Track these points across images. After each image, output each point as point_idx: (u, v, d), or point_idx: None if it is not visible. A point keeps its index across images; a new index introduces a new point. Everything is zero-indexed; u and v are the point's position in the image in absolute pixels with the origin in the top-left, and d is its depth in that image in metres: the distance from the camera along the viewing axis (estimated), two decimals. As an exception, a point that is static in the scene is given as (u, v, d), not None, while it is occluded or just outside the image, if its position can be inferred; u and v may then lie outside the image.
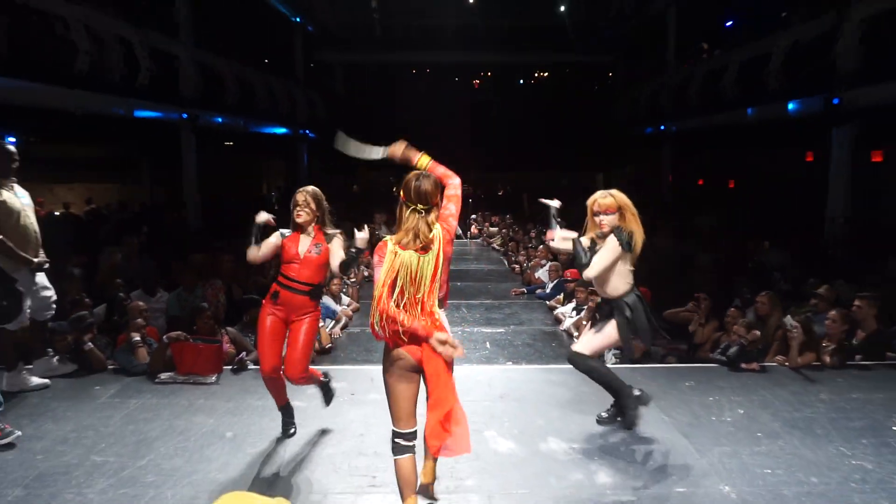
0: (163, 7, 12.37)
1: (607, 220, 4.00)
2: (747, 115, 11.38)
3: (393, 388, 2.78)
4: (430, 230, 2.74)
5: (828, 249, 8.93)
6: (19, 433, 3.87)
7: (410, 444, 2.77)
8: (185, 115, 11.84)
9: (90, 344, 5.10)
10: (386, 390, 2.82)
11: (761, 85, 10.57)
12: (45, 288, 4.76)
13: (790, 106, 9.96)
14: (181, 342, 4.91)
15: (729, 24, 15.64)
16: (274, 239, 3.75)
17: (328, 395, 4.15)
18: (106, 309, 6.13)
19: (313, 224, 3.72)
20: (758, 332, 5.25)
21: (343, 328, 6.99)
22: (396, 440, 2.78)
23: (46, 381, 4.76)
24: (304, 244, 3.69)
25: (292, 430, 3.96)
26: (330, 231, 3.73)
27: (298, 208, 3.69)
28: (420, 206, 2.74)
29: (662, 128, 16.06)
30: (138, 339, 5.08)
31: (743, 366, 5.19)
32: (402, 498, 2.75)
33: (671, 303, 6.72)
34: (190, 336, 5.03)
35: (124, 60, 9.84)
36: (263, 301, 3.78)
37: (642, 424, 4.05)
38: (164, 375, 4.86)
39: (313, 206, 3.70)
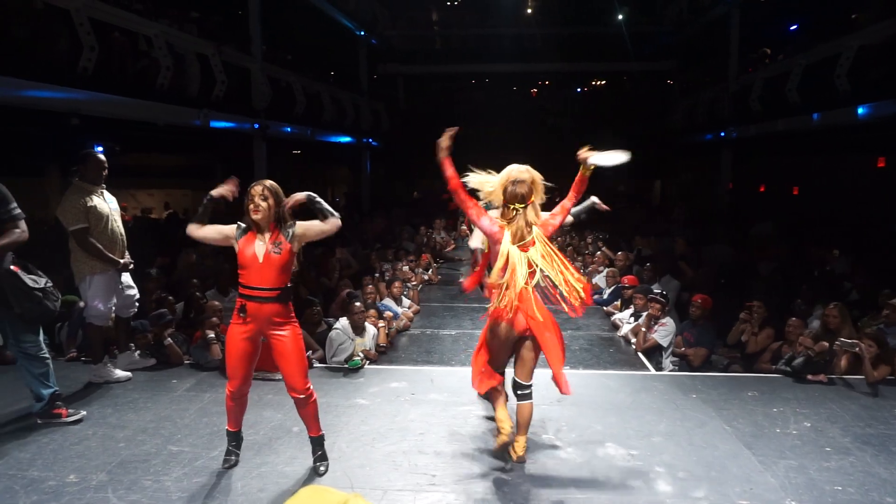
0: (236, 24, 13.00)
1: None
2: (812, 120, 10.94)
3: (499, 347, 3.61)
4: (531, 231, 3.50)
5: None
6: (84, 413, 4.23)
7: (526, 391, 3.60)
8: (256, 125, 12.38)
9: (170, 339, 5.42)
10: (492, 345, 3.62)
11: (828, 89, 10.14)
12: (129, 287, 5.10)
13: (860, 110, 9.52)
14: (251, 340, 5.15)
15: (793, 27, 15.10)
16: (228, 230, 3.41)
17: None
18: (184, 307, 6.50)
19: (270, 222, 3.33)
20: (826, 344, 5.05)
21: (403, 330, 7.13)
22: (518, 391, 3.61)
23: (128, 373, 5.09)
24: (261, 245, 3.31)
25: (234, 460, 3.62)
26: (287, 225, 3.36)
27: (254, 204, 3.29)
28: (517, 206, 3.52)
29: (722, 134, 15.63)
30: (212, 336, 5.36)
31: (809, 377, 5.01)
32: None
33: (729, 311, 6.55)
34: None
35: (201, 75, 10.39)
36: (232, 320, 3.40)
37: (702, 435, 3.98)
38: (235, 372, 5.10)
39: (272, 201, 3.31)
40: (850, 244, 9.27)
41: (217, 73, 10.79)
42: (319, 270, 8.39)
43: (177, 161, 17.58)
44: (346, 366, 5.34)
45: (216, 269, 7.63)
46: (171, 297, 6.41)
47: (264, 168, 13.00)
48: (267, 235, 3.32)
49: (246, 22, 12.69)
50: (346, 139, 17.87)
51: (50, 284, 4.09)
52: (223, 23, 12.50)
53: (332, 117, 16.12)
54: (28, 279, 3.95)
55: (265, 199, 3.29)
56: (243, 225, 3.37)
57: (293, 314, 3.43)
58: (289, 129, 13.97)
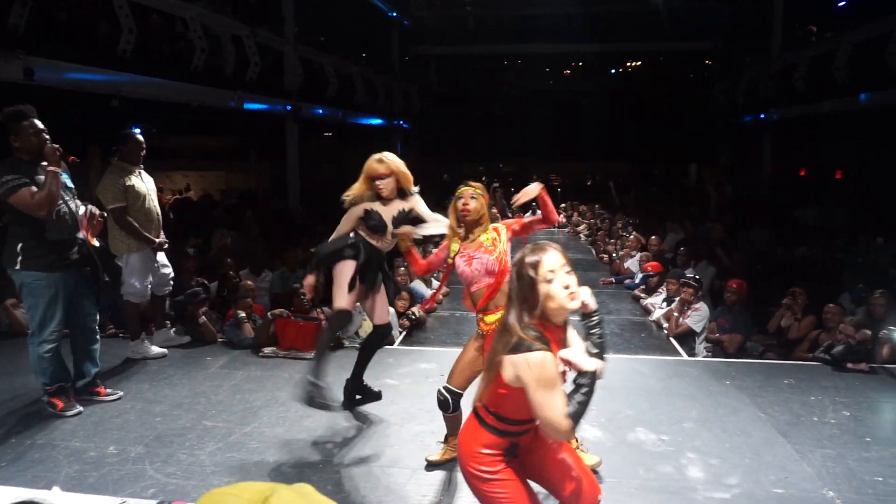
0: (270, 5, 13.05)
1: (384, 184, 3.74)
2: (860, 101, 10.49)
3: None
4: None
5: None
6: (121, 393, 4.33)
7: None
8: (289, 108, 12.45)
9: (204, 317, 5.53)
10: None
11: (879, 68, 9.69)
12: (165, 266, 5.21)
13: (912, 90, 9.11)
14: (284, 319, 5.24)
15: (841, 4, 14.47)
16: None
17: None
18: (217, 286, 6.62)
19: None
20: (868, 332, 4.90)
21: (430, 311, 7.14)
22: None
23: (164, 350, 5.22)
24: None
25: None
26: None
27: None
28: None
29: (763, 116, 15.11)
30: (244, 315, 5.45)
31: (849, 366, 4.86)
32: None
33: (768, 298, 6.39)
34: (292, 314, 5.35)
35: (235, 56, 10.48)
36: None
37: (735, 422, 3.91)
38: (267, 350, 5.20)
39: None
40: (894, 231, 8.94)
41: (251, 54, 10.86)
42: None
43: (210, 143, 17.85)
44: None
45: (250, 250, 7.75)
46: (204, 281, 6.52)
47: (296, 150, 13.10)
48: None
49: (279, 4, 12.72)
50: (378, 121, 17.86)
51: None
52: (257, 4, 12.56)
53: (364, 99, 16.12)
54: None
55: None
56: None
57: None
58: (321, 111, 14.02)
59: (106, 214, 4.74)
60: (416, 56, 22.10)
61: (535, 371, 1.88)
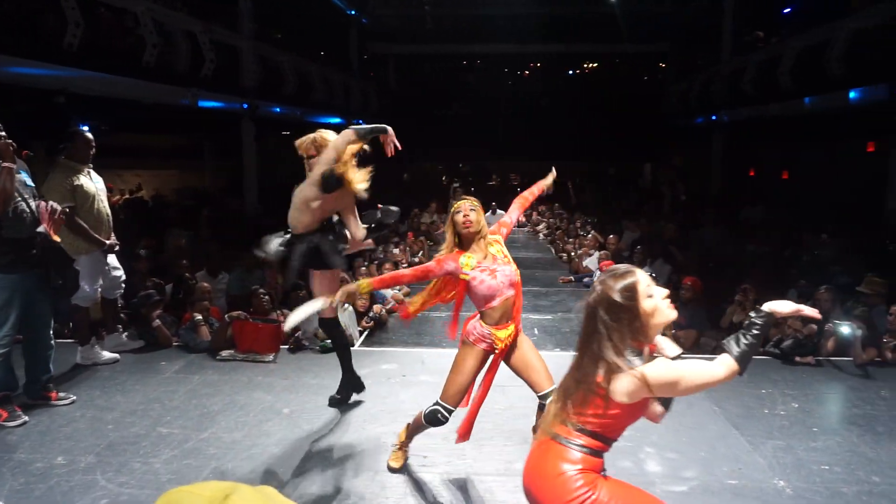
0: (225, 2, 12.77)
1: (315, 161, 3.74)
2: (804, 104, 10.93)
3: None
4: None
5: (887, 242, 8.54)
6: (74, 397, 4.20)
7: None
8: (245, 106, 12.21)
9: (158, 321, 5.38)
10: None
11: (821, 74, 10.11)
12: (116, 268, 5.05)
13: (852, 94, 9.49)
14: (242, 321, 5.13)
15: (787, 10, 15.04)
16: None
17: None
18: (173, 288, 6.44)
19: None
20: (814, 327, 5.10)
21: (392, 311, 7.10)
22: None
23: (116, 355, 5.05)
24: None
25: None
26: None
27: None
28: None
29: (714, 118, 15.61)
30: (200, 318, 5.32)
31: (797, 359, 5.05)
32: None
33: (720, 294, 6.58)
34: (250, 316, 5.25)
35: (189, 53, 10.21)
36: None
37: (691, 416, 4.01)
38: (224, 353, 5.09)
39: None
40: (839, 228, 9.33)
41: (205, 51, 10.61)
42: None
43: (164, 141, 17.35)
44: (318, 348, 5.31)
45: (206, 251, 7.56)
46: (160, 281, 6.34)
47: (253, 149, 12.87)
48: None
49: (235, 0, 12.47)
50: (336, 120, 17.70)
51: None
52: (211, 0, 12.28)
53: (322, 98, 15.95)
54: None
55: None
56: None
57: None
58: (278, 110, 13.81)
59: (68, 210, 4.57)
60: (375, 54, 21.98)
61: (657, 375, 1.85)
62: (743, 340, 1.87)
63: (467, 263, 3.00)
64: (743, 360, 1.85)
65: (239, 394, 4.38)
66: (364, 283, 3.05)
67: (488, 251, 3.07)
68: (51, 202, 3.98)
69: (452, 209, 3.08)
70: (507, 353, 3.15)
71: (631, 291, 1.89)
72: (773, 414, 4.12)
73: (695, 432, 3.84)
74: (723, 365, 1.86)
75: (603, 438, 1.99)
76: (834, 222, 9.73)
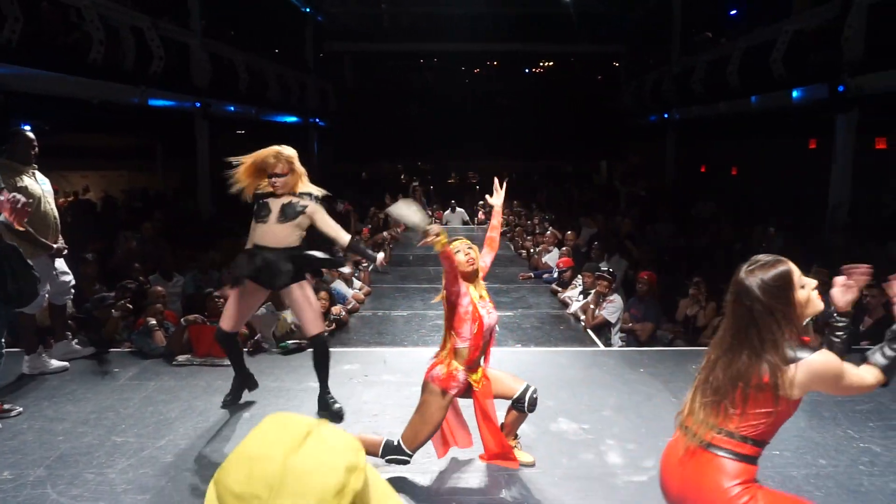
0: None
1: (280, 182, 3.79)
2: (751, 103, 11.33)
3: None
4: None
5: (829, 236, 8.93)
6: (20, 409, 4.03)
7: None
8: (198, 104, 11.91)
9: (153, 321, 5.20)
10: None
11: (765, 73, 10.51)
12: (64, 273, 4.86)
13: (794, 94, 9.89)
14: (200, 325, 5.01)
15: (733, 12, 15.54)
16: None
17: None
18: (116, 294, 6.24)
19: None
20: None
21: (353, 311, 7.06)
22: None
23: (66, 363, 4.86)
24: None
25: None
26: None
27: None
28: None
29: (666, 116, 16.05)
30: (155, 322, 5.18)
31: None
32: None
33: (672, 288, 6.77)
34: (207, 319, 5.13)
35: (137, 50, 9.90)
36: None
37: (650, 407, 4.11)
38: (181, 358, 4.96)
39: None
40: (785, 223, 9.68)
41: (154, 48, 10.30)
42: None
43: (113, 141, 16.79)
44: (277, 350, 5.25)
45: (159, 254, 7.36)
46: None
47: (206, 149, 12.57)
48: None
49: (185, -7, 12.15)
50: (293, 119, 17.46)
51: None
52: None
53: (278, 96, 15.70)
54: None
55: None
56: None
57: None
58: (232, 109, 13.52)
59: (31, 202, 4.37)
60: (331, 53, 21.75)
61: (833, 364, 1.84)
62: (888, 353, 1.90)
63: (475, 295, 3.01)
64: (889, 371, 1.89)
65: (198, 399, 4.28)
66: (444, 238, 2.82)
67: (481, 292, 3.07)
68: (13, 193, 3.80)
69: (452, 248, 2.97)
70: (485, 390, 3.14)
71: (787, 281, 1.85)
72: (727, 402, 4.25)
73: (654, 423, 3.93)
74: (871, 374, 1.89)
75: (761, 443, 1.92)
76: (780, 216, 10.10)
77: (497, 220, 3.48)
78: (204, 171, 12.79)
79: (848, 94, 8.66)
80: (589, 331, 6.47)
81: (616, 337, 6.35)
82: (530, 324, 6.80)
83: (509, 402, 3.25)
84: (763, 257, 1.93)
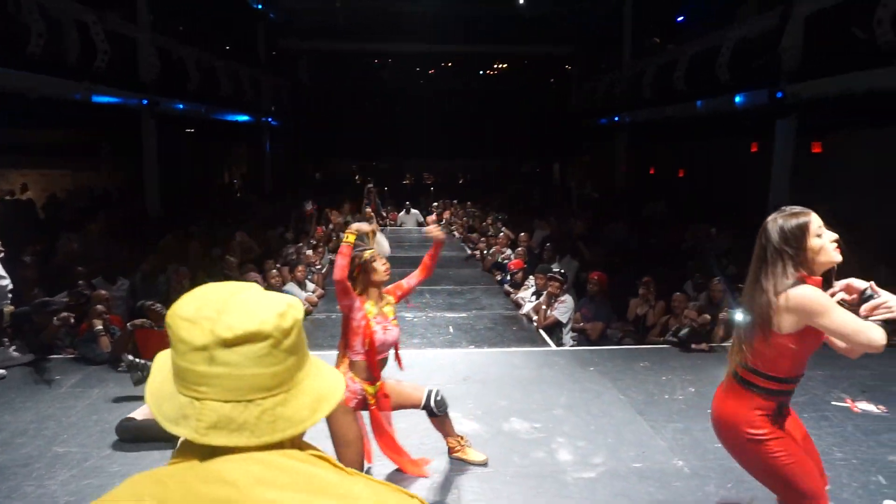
0: (119, -11, 12.03)
1: None
2: (697, 107, 11.73)
3: None
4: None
5: None
6: None
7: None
8: (145, 101, 11.55)
9: (100, 325, 5.01)
10: None
11: (710, 78, 10.89)
12: (1, 277, 4.67)
13: (737, 99, 10.27)
14: (147, 329, 4.88)
15: (681, 18, 16.02)
16: None
17: None
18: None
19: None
20: (708, 316, 5.48)
21: (306, 314, 7.00)
22: None
23: (2, 371, 4.68)
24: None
25: None
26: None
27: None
28: None
29: (616, 119, 16.44)
30: (100, 327, 5.02)
31: (693, 346, 5.42)
32: None
33: (623, 288, 6.94)
34: (154, 324, 5.00)
35: (81, 44, 9.53)
36: None
37: (599, 405, 4.21)
38: (128, 357, 4.80)
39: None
40: (728, 223, 10.03)
41: (98, 42, 9.94)
42: (222, 256, 8.04)
43: (54, 138, 16.12)
44: None
45: (103, 256, 7.12)
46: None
47: (153, 147, 12.21)
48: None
49: (131, -14, 11.77)
50: (245, 118, 17.11)
51: None
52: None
53: (229, 94, 15.37)
54: None
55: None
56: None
57: None
58: (181, 106, 13.16)
59: None
60: (285, 50, 21.42)
61: (813, 298, 1.96)
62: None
63: (371, 311, 2.96)
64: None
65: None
66: (352, 238, 2.89)
67: (382, 308, 3.02)
68: None
69: (367, 257, 2.96)
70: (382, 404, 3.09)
71: (802, 230, 2.03)
72: (672, 399, 4.40)
73: (603, 420, 4.03)
74: (880, 332, 1.95)
75: (776, 378, 2.09)
76: (723, 216, 10.46)
77: (436, 250, 3.35)
78: (151, 169, 12.42)
79: (786, 100, 9.04)
80: (541, 331, 6.58)
81: (567, 336, 6.47)
82: (483, 325, 6.86)
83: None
84: (791, 208, 2.11)
